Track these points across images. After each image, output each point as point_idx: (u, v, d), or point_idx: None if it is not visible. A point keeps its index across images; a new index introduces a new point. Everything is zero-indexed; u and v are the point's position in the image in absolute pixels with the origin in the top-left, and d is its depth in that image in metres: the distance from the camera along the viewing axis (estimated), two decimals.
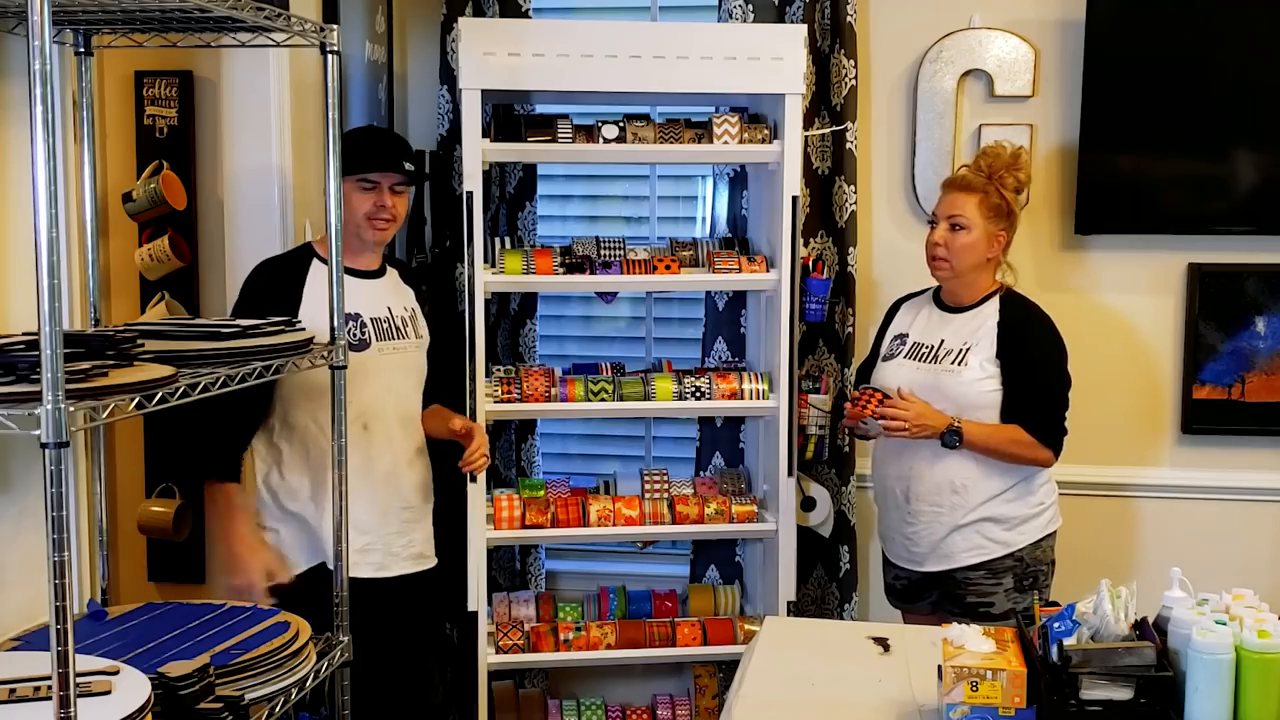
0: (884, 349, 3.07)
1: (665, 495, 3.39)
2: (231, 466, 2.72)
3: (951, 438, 2.83)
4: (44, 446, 1.52)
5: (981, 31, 3.51)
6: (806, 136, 3.44)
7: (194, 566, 3.21)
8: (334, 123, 2.32)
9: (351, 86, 3.38)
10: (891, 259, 3.59)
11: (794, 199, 3.22)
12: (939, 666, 2.07)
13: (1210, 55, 3.38)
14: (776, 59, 3.18)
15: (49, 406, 1.51)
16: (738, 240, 3.52)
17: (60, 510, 1.52)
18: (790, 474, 3.30)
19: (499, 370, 3.33)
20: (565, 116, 3.31)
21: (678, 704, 3.62)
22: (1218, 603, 2.00)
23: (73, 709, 1.53)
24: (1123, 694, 1.90)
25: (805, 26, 3.32)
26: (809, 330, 3.56)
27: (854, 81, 3.48)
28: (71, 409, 1.54)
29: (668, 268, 3.31)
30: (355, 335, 2.73)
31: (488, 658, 3.27)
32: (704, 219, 3.84)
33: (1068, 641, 1.93)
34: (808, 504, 3.50)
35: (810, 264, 3.44)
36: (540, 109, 3.54)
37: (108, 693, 1.74)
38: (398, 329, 2.86)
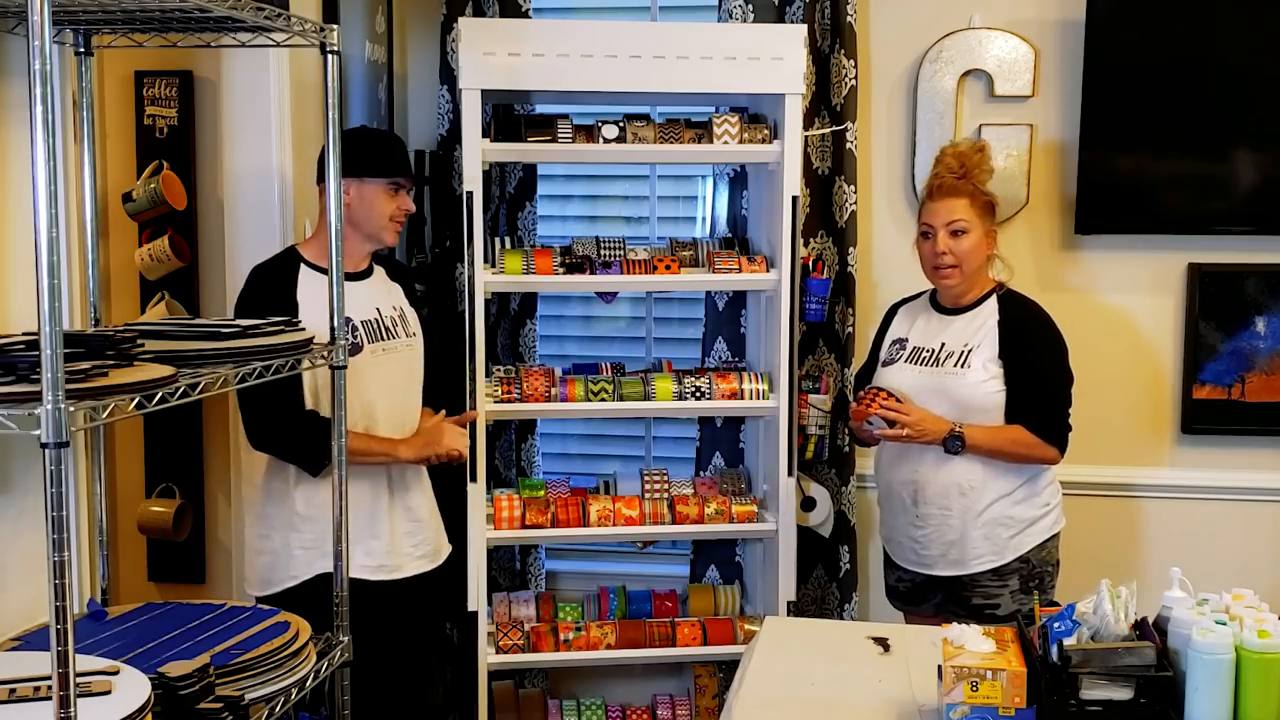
0: (883, 354, 3.06)
1: (665, 495, 3.39)
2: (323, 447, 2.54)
3: (954, 443, 2.82)
4: (44, 446, 1.52)
5: (981, 31, 3.52)
6: (806, 136, 3.44)
7: (194, 566, 3.21)
8: (334, 123, 2.32)
9: (351, 86, 3.38)
10: (891, 259, 3.59)
11: (794, 199, 3.22)
12: (939, 666, 2.07)
13: (1210, 55, 3.38)
14: (776, 59, 3.18)
15: (49, 406, 1.51)
16: (738, 240, 3.52)
17: (60, 510, 1.52)
18: (790, 474, 3.30)
19: (499, 370, 3.33)
20: (565, 116, 3.31)
21: (678, 704, 3.62)
22: (1218, 603, 2.00)
23: (73, 709, 1.53)
24: (1123, 694, 1.90)
25: (805, 26, 3.32)
26: (809, 330, 3.56)
27: (854, 81, 3.48)
28: (71, 409, 1.54)
29: (668, 268, 3.31)
30: (346, 339, 2.72)
31: (488, 658, 3.27)
32: (704, 219, 3.84)
33: (1068, 641, 1.93)
34: (808, 504, 3.50)
35: (810, 264, 3.44)
36: (540, 109, 3.54)
37: (108, 693, 1.74)
38: (388, 330, 2.85)
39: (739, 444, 3.68)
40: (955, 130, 3.54)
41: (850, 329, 3.56)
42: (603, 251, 3.34)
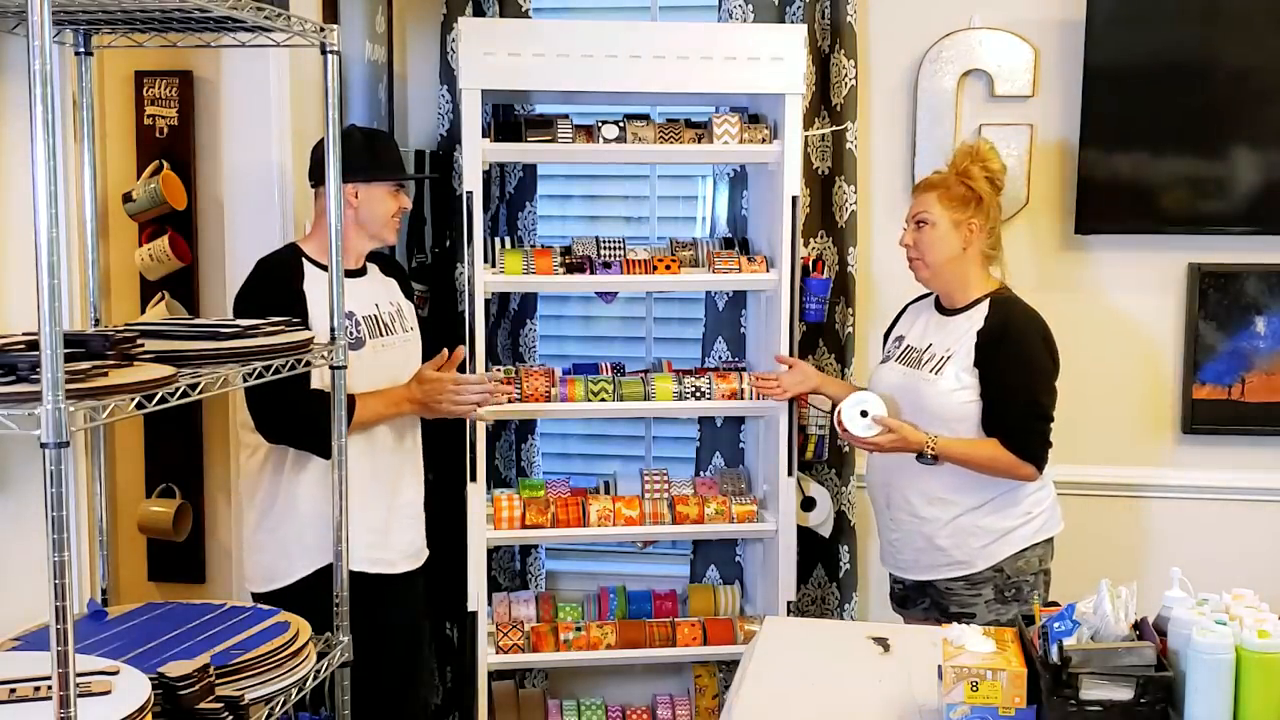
0: (884, 351, 3.07)
1: (665, 495, 3.39)
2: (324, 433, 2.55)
3: (925, 458, 2.79)
4: (44, 446, 1.52)
5: (981, 31, 3.51)
6: (806, 136, 3.44)
7: (194, 566, 3.21)
8: (334, 123, 2.32)
9: (351, 86, 3.38)
10: (892, 259, 3.55)
11: (794, 199, 3.22)
12: (939, 666, 2.08)
13: (1210, 55, 3.38)
14: (776, 59, 3.18)
15: (49, 406, 1.51)
16: (738, 240, 3.52)
17: (60, 510, 1.52)
18: (790, 474, 3.30)
19: (499, 370, 3.33)
20: (565, 116, 3.31)
21: (678, 704, 3.62)
22: (1218, 603, 2.00)
23: (73, 709, 1.53)
24: (1123, 694, 1.90)
25: (805, 26, 3.32)
26: (809, 330, 3.56)
27: (854, 81, 3.48)
28: (71, 409, 1.54)
29: (668, 268, 3.31)
30: (351, 334, 2.73)
31: (488, 658, 3.27)
32: (704, 219, 3.84)
33: (1068, 641, 1.93)
34: (808, 504, 3.50)
35: (810, 264, 3.44)
36: (540, 109, 3.54)
37: (108, 693, 1.74)
38: (387, 325, 2.87)
39: (739, 444, 3.68)
40: (955, 130, 3.54)
41: (850, 329, 3.56)
42: (603, 251, 3.34)
